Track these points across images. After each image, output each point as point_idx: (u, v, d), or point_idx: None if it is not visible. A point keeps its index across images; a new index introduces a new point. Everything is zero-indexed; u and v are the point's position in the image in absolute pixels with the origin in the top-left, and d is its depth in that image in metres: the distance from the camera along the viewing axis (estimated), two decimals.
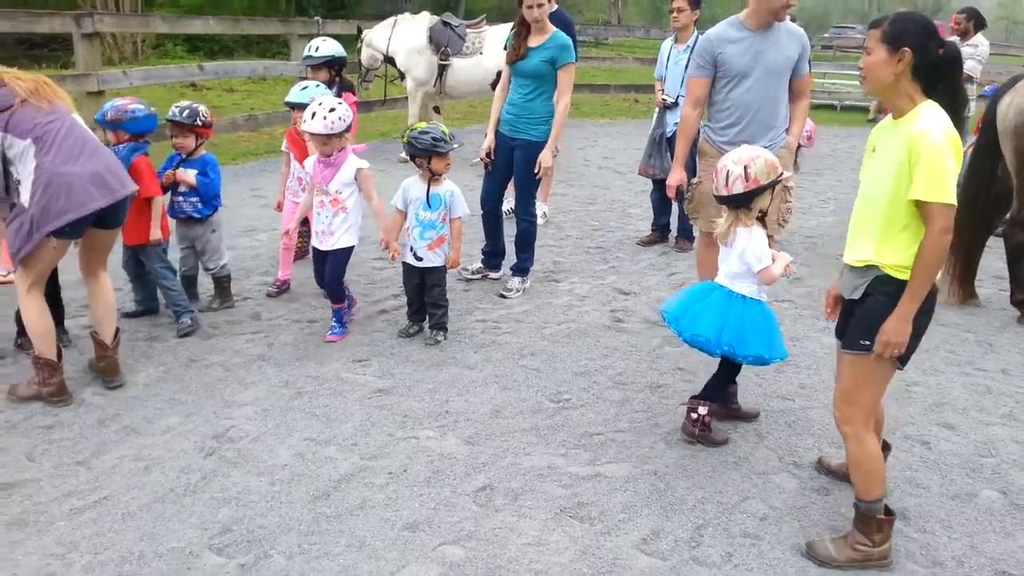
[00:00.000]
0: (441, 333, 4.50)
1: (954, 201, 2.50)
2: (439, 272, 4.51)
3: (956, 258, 5.41)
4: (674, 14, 6.21)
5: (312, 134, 4.20)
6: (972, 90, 7.67)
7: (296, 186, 5.02)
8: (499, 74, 5.65)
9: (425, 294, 4.53)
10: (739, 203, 3.34)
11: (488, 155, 5.21)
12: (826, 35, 35.18)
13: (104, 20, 8.74)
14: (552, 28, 4.98)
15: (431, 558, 2.78)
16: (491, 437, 3.55)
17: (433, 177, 4.40)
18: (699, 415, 3.57)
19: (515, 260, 5.32)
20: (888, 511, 2.83)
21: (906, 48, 2.54)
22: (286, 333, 4.53)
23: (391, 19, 9.50)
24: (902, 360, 2.70)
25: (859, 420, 2.77)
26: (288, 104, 4.93)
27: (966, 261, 5.41)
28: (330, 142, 4.22)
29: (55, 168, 3.42)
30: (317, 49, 5.34)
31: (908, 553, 2.90)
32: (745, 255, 3.35)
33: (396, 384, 3.98)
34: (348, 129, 4.29)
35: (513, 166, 5.16)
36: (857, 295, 2.73)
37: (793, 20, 4.77)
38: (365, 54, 9.63)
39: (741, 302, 3.39)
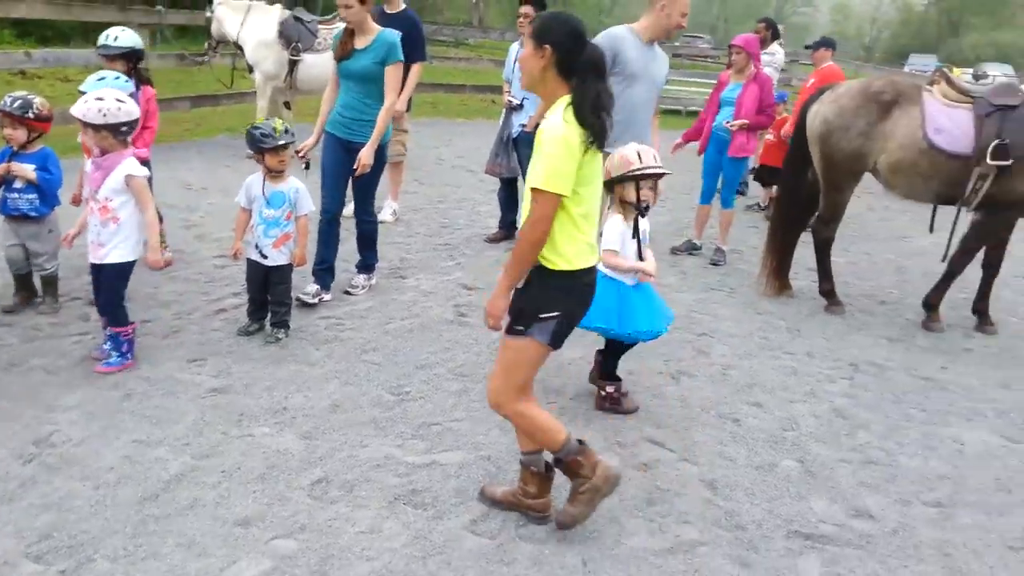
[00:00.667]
0: (283, 331, 4.48)
1: (556, 191, 2.60)
2: (284, 270, 4.48)
3: (772, 253, 5.89)
4: (521, 19, 6.38)
5: (73, 115, 3.79)
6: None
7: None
8: None
9: (269, 291, 4.49)
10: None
11: (301, 153, 4.83)
12: (676, 44, 36.81)
13: None
14: (377, 28, 4.84)
15: (262, 552, 2.80)
16: (329, 431, 3.59)
17: (273, 174, 4.37)
18: (607, 393, 3.97)
19: (359, 258, 5.33)
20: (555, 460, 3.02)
21: (547, 45, 2.65)
22: None
23: (246, 2, 9.21)
24: (555, 344, 2.81)
25: (510, 399, 2.88)
26: (81, 92, 4.69)
27: (781, 256, 5.89)
28: (86, 132, 3.83)
29: None
30: (116, 39, 5.01)
31: (714, 519, 3.18)
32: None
33: (233, 383, 3.94)
34: (119, 131, 3.84)
35: (350, 170, 4.90)
36: (520, 283, 2.82)
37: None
38: (214, 27, 9.34)
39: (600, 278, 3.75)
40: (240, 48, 9.18)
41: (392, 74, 4.80)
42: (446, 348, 4.55)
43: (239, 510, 3.01)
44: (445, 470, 3.37)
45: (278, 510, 3.03)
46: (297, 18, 9.01)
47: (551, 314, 2.76)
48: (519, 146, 6.45)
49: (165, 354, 4.18)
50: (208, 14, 9.39)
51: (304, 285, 4.98)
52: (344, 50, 4.79)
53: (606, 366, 4.02)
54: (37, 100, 4.42)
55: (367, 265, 5.34)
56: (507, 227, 6.84)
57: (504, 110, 6.65)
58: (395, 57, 4.80)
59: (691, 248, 6.90)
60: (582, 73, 2.67)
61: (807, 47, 9.53)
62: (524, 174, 6.47)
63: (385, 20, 6.08)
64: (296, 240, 4.48)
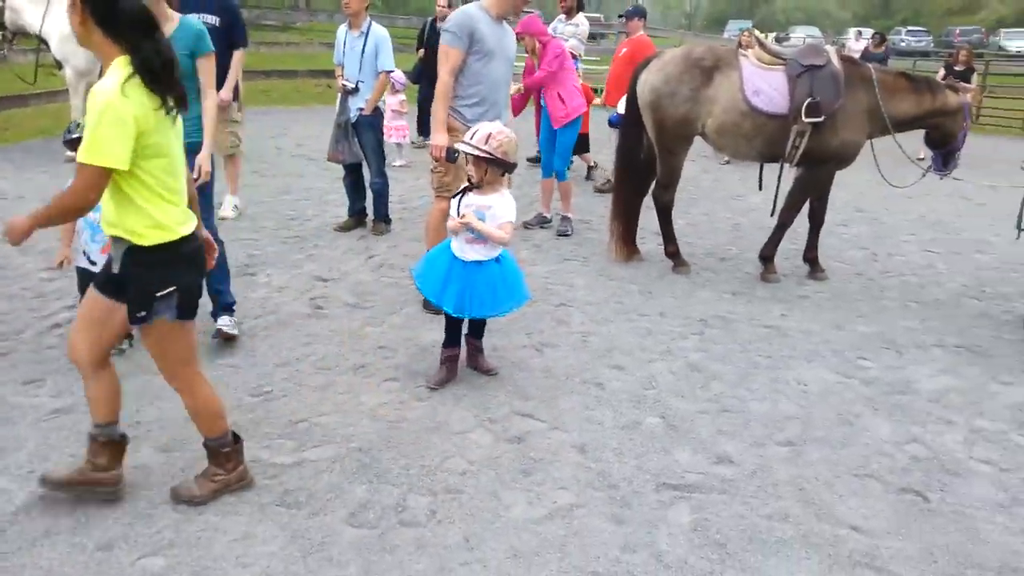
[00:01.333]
0: (126, 341, 4.20)
1: (101, 163, 2.42)
2: None
3: (618, 220, 6.10)
4: (345, 1, 6.23)
5: None
6: (580, 66, 8.40)
7: None
8: None
9: None
10: None
11: None
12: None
13: None
14: (175, 14, 4.01)
15: (129, 575, 2.65)
16: (188, 441, 3.41)
17: None
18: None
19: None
20: (235, 438, 3.08)
21: (78, 1, 2.49)
22: None
23: None
24: (184, 316, 2.74)
25: (181, 375, 2.88)
26: None
27: (627, 222, 6.11)
28: None
29: None
30: None
31: (587, 481, 3.28)
32: None
33: (76, 402, 3.67)
34: None
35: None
36: (118, 269, 2.70)
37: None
38: (8, 16, 8.50)
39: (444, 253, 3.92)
40: (44, 41, 8.41)
41: (206, 68, 4.04)
42: (305, 343, 4.43)
43: (99, 534, 2.82)
44: (316, 466, 3.29)
45: (142, 528, 2.86)
46: None
47: (167, 290, 2.67)
48: (360, 130, 6.33)
49: None
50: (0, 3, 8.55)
51: None
52: None
53: (446, 332, 4.05)
54: None
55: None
56: (357, 214, 6.72)
57: (340, 95, 6.49)
58: (206, 48, 4.02)
59: (542, 222, 7.05)
60: (128, 33, 2.50)
61: (620, 16, 9.89)
62: (367, 159, 6.43)
63: (201, 4, 5.67)
64: None
